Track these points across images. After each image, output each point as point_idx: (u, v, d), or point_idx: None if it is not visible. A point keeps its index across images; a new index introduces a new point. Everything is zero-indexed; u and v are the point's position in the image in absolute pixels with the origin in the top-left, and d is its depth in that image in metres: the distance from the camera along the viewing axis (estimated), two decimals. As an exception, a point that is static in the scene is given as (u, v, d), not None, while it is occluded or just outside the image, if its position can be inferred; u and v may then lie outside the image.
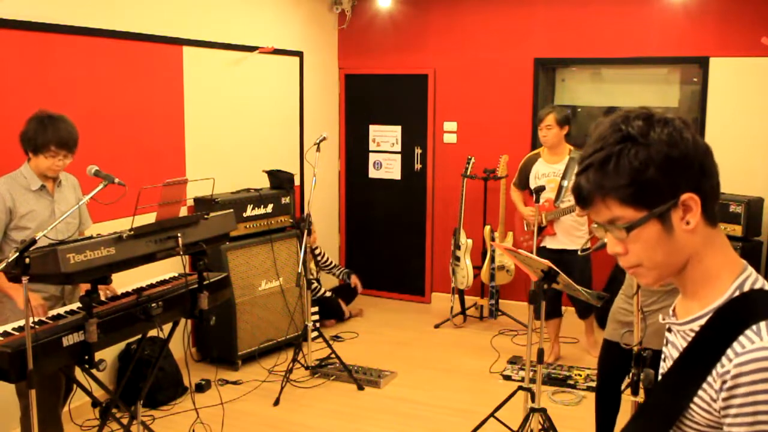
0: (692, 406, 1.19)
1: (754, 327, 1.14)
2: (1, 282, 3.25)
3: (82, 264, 2.83)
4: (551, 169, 5.18)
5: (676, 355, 1.29)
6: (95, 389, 3.40)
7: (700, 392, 1.18)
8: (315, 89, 6.77)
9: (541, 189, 4.64)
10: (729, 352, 1.15)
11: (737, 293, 1.21)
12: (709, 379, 1.17)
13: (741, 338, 1.14)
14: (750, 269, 1.24)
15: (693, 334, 1.24)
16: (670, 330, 1.34)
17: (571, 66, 6.54)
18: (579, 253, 3.44)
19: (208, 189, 4.88)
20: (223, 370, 5.20)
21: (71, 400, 3.75)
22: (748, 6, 5.59)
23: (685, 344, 1.26)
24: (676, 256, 1.23)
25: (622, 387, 4.01)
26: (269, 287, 5.51)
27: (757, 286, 1.21)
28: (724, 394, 1.14)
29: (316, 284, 6.10)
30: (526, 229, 5.52)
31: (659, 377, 1.37)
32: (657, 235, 1.21)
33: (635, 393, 3.08)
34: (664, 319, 1.35)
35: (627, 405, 3.54)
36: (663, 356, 1.37)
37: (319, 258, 6.44)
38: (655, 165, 1.17)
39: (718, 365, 1.15)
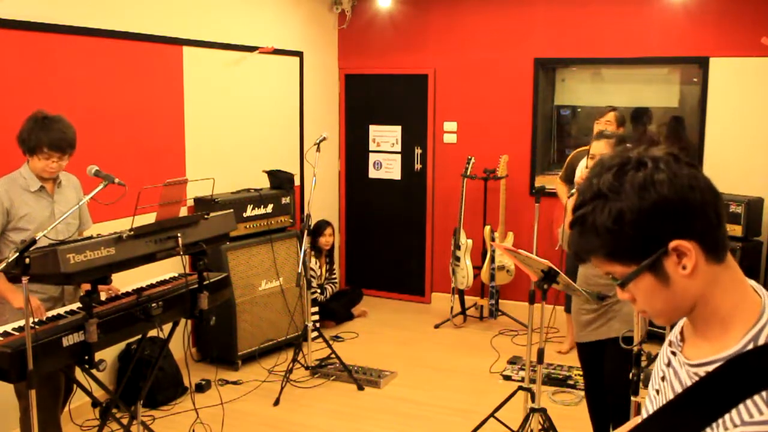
0: None
1: (763, 393, 1.05)
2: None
3: (82, 264, 2.83)
4: None
5: (677, 385, 1.23)
6: (95, 389, 3.40)
7: None
8: (315, 89, 6.77)
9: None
10: (734, 413, 1.07)
11: (751, 345, 1.12)
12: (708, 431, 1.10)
13: (749, 402, 1.06)
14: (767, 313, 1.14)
15: (698, 377, 1.17)
16: (674, 353, 1.28)
17: (571, 66, 6.53)
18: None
19: (208, 189, 4.88)
20: (223, 370, 5.20)
21: (71, 400, 3.75)
22: (748, 6, 5.59)
23: (689, 383, 1.19)
24: (678, 302, 1.17)
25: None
26: (269, 287, 5.51)
27: None
28: None
29: (318, 290, 6.11)
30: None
31: (653, 392, 1.33)
32: (653, 286, 1.16)
33: (635, 393, 3.08)
34: (670, 344, 1.30)
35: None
36: (661, 374, 1.31)
37: (331, 267, 6.45)
38: (630, 220, 1.11)
39: (721, 423, 1.08)
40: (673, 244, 1.12)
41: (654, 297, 1.17)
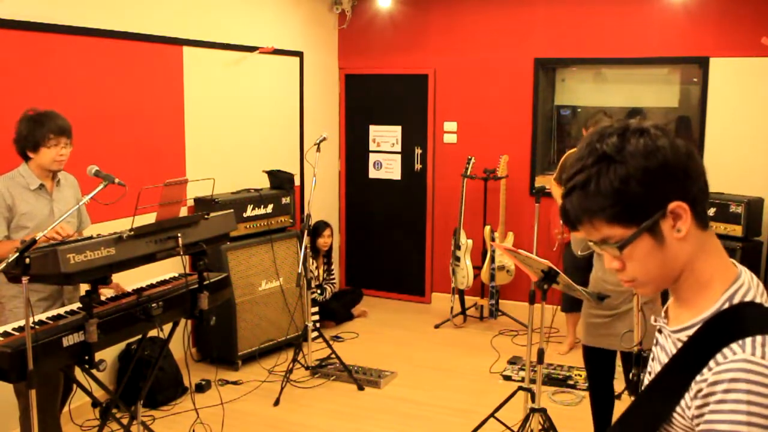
0: (674, 414, 1.19)
1: (739, 341, 1.13)
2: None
3: (82, 264, 2.83)
4: None
5: (664, 358, 1.28)
6: (95, 389, 3.40)
7: (681, 401, 1.17)
8: (315, 89, 6.77)
9: None
10: (711, 362, 1.14)
11: (726, 305, 1.19)
12: (689, 388, 1.16)
13: (725, 350, 1.13)
14: (743, 278, 1.22)
15: (681, 343, 1.23)
16: (660, 331, 1.33)
17: (571, 66, 6.53)
18: (579, 253, 3.44)
19: (209, 189, 4.88)
20: (223, 370, 5.20)
21: (71, 400, 3.75)
22: (748, 6, 5.59)
23: (674, 350, 1.25)
24: (670, 266, 1.22)
25: (619, 391, 4.04)
26: (269, 287, 5.51)
27: (748, 298, 1.19)
28: (698, 402, 1.13)
29: (318, 291, 6.12)
30: (562, 222, 5.57)
31: (647, 377, 1.37)
32: (649, 249, 1.19)
33: (635, 393, 3.08)
34: (656, 321, 1.34)
35: (625, 405, 3.54)
36: (652, 356, 1.36)
37: (329, 267, 6.45)
38: (636, 180, 1.15)
39: (698, 375, 1.15)
40: (672, 205, 1.17)
41: (649, 261, 1.20)
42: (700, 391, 1.13)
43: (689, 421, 1.16)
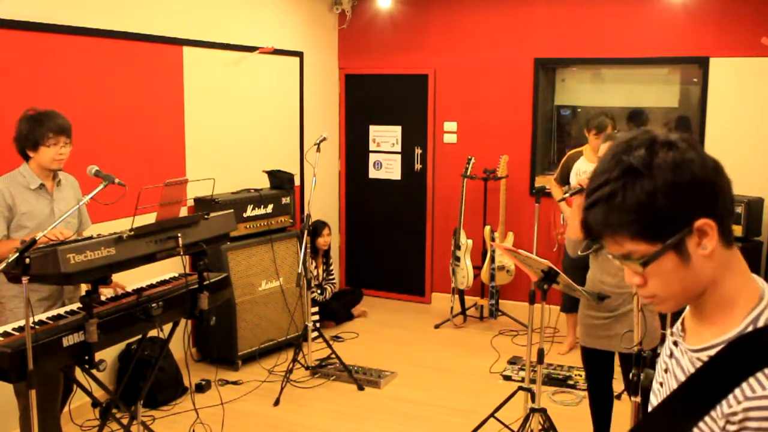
0: None
1: (765, 371, 1.08)
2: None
3: (82, 264, 2.83)
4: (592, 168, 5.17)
5: (679, 374, 1.24)
6: (95, 389, 3.40)
7: (701, 424, 1.14)
8: (315, 89, 6.77)
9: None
10: (737, 392, 1.09)
11: (750, 328, 1.15)
12: (713, 414, 1.12)
13: (751, 380, 1.08)
14: (767, 298, 1.17)
15: (701, 362, 1.19)
16: (675, 343, 1.29)
17: (571, 66, 6.53)
18: (579, 252, 3.44)
19: (209, 189, 4.88)
20: (223, 370, 5.20)
21: (71, 400, 3.75)
22: (748, 6, 5.58)
23: (692, 369, 1.21)
24: (693, 284, 1.18)
25: (618, 392, 4.04)
26: (269, 287, 5.50)
27: None
28: None
29: (318, 291, 6.11)
30: (562, 222, 5.60)
31: (657, 385, 1.33)
32: (674, 266, 1.15)
33: (635, 393, 3.08)
34: (672, 334, 1.30)
35: (626, 405, 3.54)
36: (664, 366, 1.32)
37: (328, 267, 6.45)
38: (663, 195, 1.11)
39: (725, 404, 1.10)
40: (699, 222, 1.13)
41: (672, 278, 1.17)
42: (730, 423, 1.09)
43: None
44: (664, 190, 1.11)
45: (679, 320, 1.31)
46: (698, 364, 1.20)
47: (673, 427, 1.16)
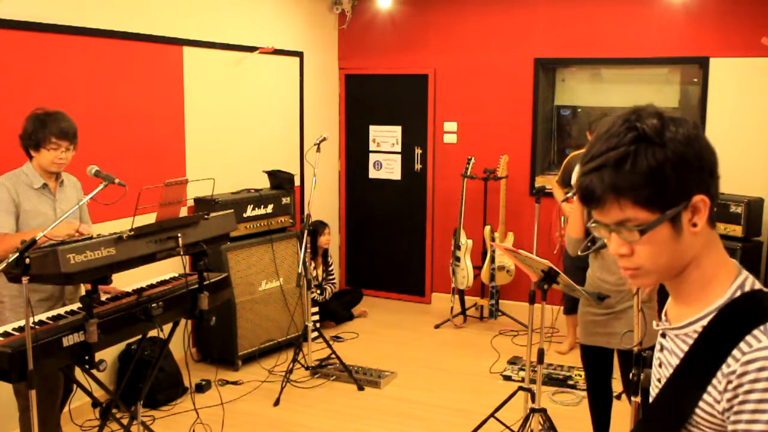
0: (697, 410, 1.17)
1: (761, 327, 1.12)
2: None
3: (82, 264, 2.83)
4: None
5: (674, 360, 1.26)
6: (95, 389, 3.40)
7: (705, 396, 1.16)
8: (315, 89, 6.77)
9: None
10: (735, 352, 1.12)
11: (738, 293, 1.19)
12: (714, 381, 1.14)
13: (748, 338, 1.12)
14: (745, 271, 1.23)
15: (695, 336, 1.22)
16: (664, 335, 1.31)
17: (571, 66, 6.53)
18: (579, 252, 3.44)
19: (209, 189, 4.88)
20: (223, 370, 5.20)
21: (71, 400, 3.75)
22: (748, 6, 5.58)
23: (686, 348, 1.23)
24: (679, 259, 1.21)
25: (618, 392, 4.04)
26: (269, 287, 5.51)
27: (756, 287, 1.20)
28: (728, 395, 1.12)
29: (318, 291, 6.11)
30: (563, 224, 5.60)
31: (655, 382, 1.34)
32: (666, 238, 1.18)
33: (635, 393, 3.08)
34: (657, 325, 1.32)
35: (625, 405, 3.54)
36: (658, 362, 1.33)
37: (328, 267, 6.45)
38: (672, 166, 1.14)
39: (724, 366, 1.13)
40: (696, 198, 1.16)
41: (663, 250, 1.19)
42: (729, 383, 1.11)
43: (720, 416, 1.14)
44: (674, 162, 1.14)
45: (663, 312, 1.34)
46: (689, 341, 1.23)
47: (682, 402, 1.19)
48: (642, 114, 1.18)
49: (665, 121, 1.17)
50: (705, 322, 1.20)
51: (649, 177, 1.14)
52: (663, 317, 1.33)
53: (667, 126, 1.16)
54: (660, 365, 1.32)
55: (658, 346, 1.34)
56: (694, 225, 1.18)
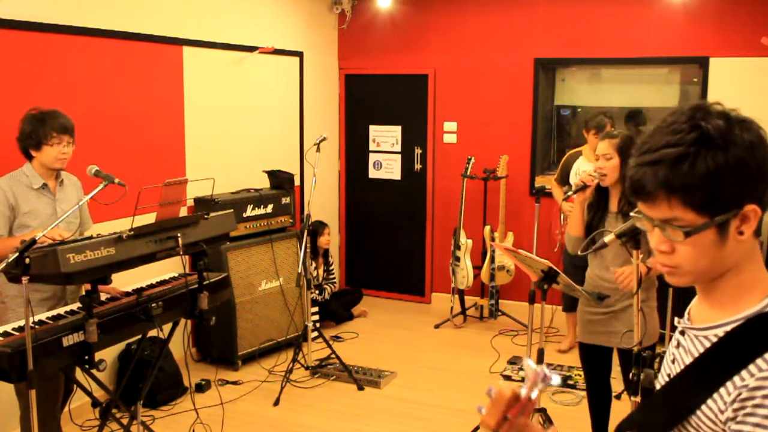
0: (698, 412, 1.16)
1: None
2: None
3: (82, 264, 2.83)
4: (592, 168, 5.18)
5: (688, 359, 1.25)
6: (95, 389, 3.40)
7: (709, 401, 1.14)
8: (315, 89, 6.77)
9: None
10: (752, 367, 1.10)
11: None
12: (722, 390, 1.13)
13: (766, 356, 1.10)
14: None
15: (714, 340, 1.20)
16: (683, 333, 1.30)
17: (571, 66, 6.53)
18: (579, 252, 3.44)
19: (208, 189, 4.88)
20: (223, 370, 5.20)
21: (71, 400, 3.75)
22: (748, 6, 5.59)
23: (702, 349, 1.21)
24: (719, 264, 1.18)
25: (618, 392, 4.04)
26: (269, 287, 5.51)
27: None
28: (735, 405, 1.10)
29: (317, 291, 6.11)
30: (562, 222, 5.60)
31: (665, 376, 1.33)
32: (710, 243, 1.15)
33: (635, 393, 3.08)
34: (678, 322, 1.31)
35: (625, 405, 3.54)
36: (671, 358, 1.32)
37: (329, 267, 6.45)
38: (730, 172, 1.10)
39: (737, 378, 1.11)
40: (748, 207, 1.13)
41: (705, 254, 1.16)
42: (740, 395, 1.10)
43: (721, 425, 1.13)
44: (733, 168, 1.11)
45: (687, 310, 1.31)
46: (707, 344, 1.21)
47: (688, 398, 1.17)
48: (709, 112, 1.14)
49: (731, 124, 1.12)
50: (728, 328, 1.18)
51: (705, 181, 1.11)
52: (686, 316, 1.31)
53: (733, 129, 1.12)
54: (673, 361, 1.31)
55: (674, 342, 1.33)
56: (741, 233, 1.15)
